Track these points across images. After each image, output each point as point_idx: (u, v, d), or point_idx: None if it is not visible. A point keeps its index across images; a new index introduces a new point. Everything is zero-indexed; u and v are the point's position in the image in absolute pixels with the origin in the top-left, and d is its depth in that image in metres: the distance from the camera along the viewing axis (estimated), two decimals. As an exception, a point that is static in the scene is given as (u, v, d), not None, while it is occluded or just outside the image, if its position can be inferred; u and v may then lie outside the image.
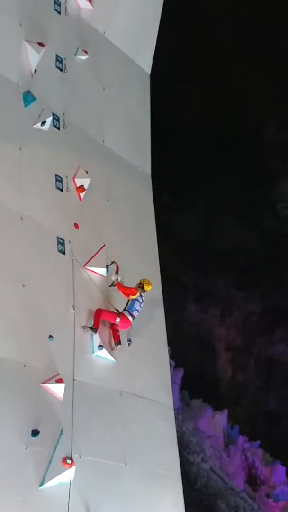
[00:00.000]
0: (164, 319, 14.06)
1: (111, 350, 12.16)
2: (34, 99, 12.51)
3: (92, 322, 12.00)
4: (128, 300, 12.39)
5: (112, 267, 12.65)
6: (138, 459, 11.80)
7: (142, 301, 12.47)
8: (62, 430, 10.49)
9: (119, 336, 12.40)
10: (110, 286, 12.69)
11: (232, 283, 29.13)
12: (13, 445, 9.86)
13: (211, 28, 27.46)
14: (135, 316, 12.37)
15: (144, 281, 12.56)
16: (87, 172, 13.36)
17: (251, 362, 28.29)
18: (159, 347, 13.66)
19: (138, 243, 14.15)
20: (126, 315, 12.27)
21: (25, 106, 12.46)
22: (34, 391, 10.49)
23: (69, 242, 12.42)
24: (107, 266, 12.71)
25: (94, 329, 11.94)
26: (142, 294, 12.45)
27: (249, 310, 29.05)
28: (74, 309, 11.81)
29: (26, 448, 9.97)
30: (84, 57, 14.14)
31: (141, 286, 12.49)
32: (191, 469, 20.08)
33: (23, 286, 11.13)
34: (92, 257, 12.65)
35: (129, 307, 12.32)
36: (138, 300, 12.38)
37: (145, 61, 16.10)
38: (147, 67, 16.19)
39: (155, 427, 12.57)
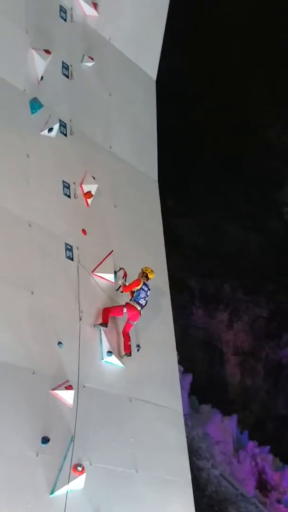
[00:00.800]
0: (172, 324, 14.05)
1: (120, 357, 12.15)
2: (41, 106, 12.54)
3: (101, 320, 12.02)
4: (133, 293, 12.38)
5: (120, 273, 12.65)
6: (148, 466, 11.77)
7: (148, 289, 12.40)
8: (72, 437, 10.47)
9: (130, 346, 12.38)
10: (117, 290, 12.68)
11: (238, 287, 29.10)
12: (23, 452, 9.85)
13: (215, 33, 27.48)
14: (143, 304, 12.29)
15: (147, 270, 12.54)
16: (94, 178, 13.37)
17: (260, 367, 28.22)
18: (168, 352, 13.64)
19: (145, 248, 14.13)
20: (133, 304, 12.23)
21: (32, 113, 12.49)
22: (43, 398, 10.48)
23: (77, 248, 12.43)
24: (115, 272, 12.71)
25: (103, 324, 11.97)
26: (145, 282, 12.40)
27: (256, 314, 29.00)
28: (81, 315, 11.80)
29: (37, 456, 9.96)
30: (90, 64, 14.18)
31: (144, 275, 12.47)
32: (201, 475, 20.02)
33: (32, 292, 11.14)
34: (100, 263, 12.65)
35: (134, 296, 12.29)
36: (142, 289, 12.31)
37: (151, 67, 16.13)
38: (153, 73, 16.22)
39: (164, 433, 12.54)
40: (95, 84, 14.34)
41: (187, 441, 13.24)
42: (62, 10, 13.92)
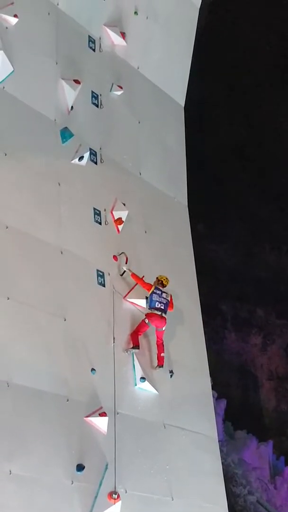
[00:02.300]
0: (205, 349, 13.97)
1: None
2: (71, 135, 12.72)
3: (131, 343, 12.03)
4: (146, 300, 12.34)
5: (122, 258, 12.65)
6: (184, 493, 11.65)
7: (162, 291, 12.33)
8: (107, 465, 10.43)
9: (163, 358, 12.32)
10: (121, 275, 12.64)
11: (271, 311, 28.86)
12: (58, 480, 9.84)
13: (244, 59, 27.65)
14: (162, 308, 12.19)
15: (162, 277, 12.50)
16: (124, 204, 13.48)
17: (295, 391, 27.83)
18: (201, 377, 13.56)
19: (176, 273, 14.11)
20: (151, 312, 12.17)
21: (63, 142, 12.68)
22: (77, 425, 10.49)
23: (109, 274, 12.50)
24: (146, 298, 12.73)
25: (135, 347, 11.96)
26: (157, 286, 12.35)
27: (290, 338, 28.68)
28: (114, 342, 11.82)
29: (72, 484, 9.94)
30: (119, 93, 14.36)
31: (160, 283, 12.43)
32: (238, 501, 19.71)
33: (64, 319, 11.21)
34: (131, 289, 12.68)
35: (149, 304, 12.22)
36: (155, 293, 12.24)
37: (179, 94, 16.27)
38: (181, 100, 16.35)
39: (200, 460, 12.42)
40: (124, 112, 14.51)
41: (222, 467, 13.08)
42: (91, 40, 14.17)
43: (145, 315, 12.23)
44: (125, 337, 12.13)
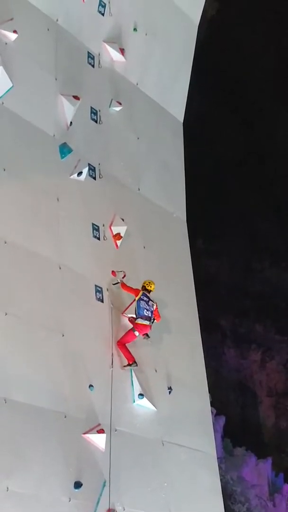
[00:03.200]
0: (204, 365, 13.93)
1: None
2: (70, 150, 12.75)
3: (126, 359, 11.95)
4: (134, 307, 12.28)
5: (120, 274, 12.61)
6: (182, 510, 11.59)
7: (148, 299, 12.30)
8: (105, 482, 10.35)
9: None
10: (113, 285, 12.60)
11: (270, 327, 28.78)
12: (56, 497, 9.77)
13: (243, 74, 27.80)
14: (149, 316, 12.16)
15: (145, 283, 12.46)
16: (123, 220, 13.48)
17: (294, 408, 27.69)
18: (200, 394, 13.50)
19: (175, 288, 14.12)
20: (140, 322, 12.11)
21: (62, 158, 12.70)
22: (75, 442, 10.44)
23: (107, 290, 12.48)
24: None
25: (133, 363, 11.91)
26: (145, 293, 12.31)
27: (290, 354, 28.58)
28: (112, 358, 11.77)
29: (69, 501, 9.87)
30: (118, 108, 14.41)
31: (143, 289, 12.38)
32: (236, 519, 19.58)
33: (62, 335, 11.17)
34: (130, 305, 12.65)
35: (137, 312, 12.15)
36: (142, 300, 12.21)
37: (178, 110, 16.33)
38: (180, 116, 16.41)
39: (198, 477, 12.35)
40: (123, 128, 14.55)
41: (221, 484, 13.02)
42: (90, 56, 14.23)
43: (134, 325, 12.15)
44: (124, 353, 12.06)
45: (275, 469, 23.76)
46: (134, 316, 12.19)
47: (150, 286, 12.45)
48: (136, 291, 12.30)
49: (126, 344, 12.11)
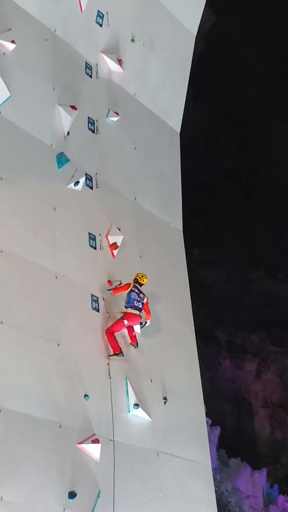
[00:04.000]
0: (199, 376, 13.92)
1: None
2: (67, 160, 12.78)
3: (111, 349, 11.91)
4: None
5: (116, 283, 12.62)
6: (176, 521, 11.53)
7: (139, 291, 12.35)
8: (99, 492, 10.32)
9: (135, 336, 12.35)
10: (108, 290, 12.60)
11: (266, 337, 28.80)
12: (50, 507, 9.74)
13: (240, 85, 27.94)
14: (139, 307, 12.21)
15: (137, 275, 12.52)
16: (119, 229, 13.51)
17: (289, 419, 27.67)
18: (195, 404, 13.49)
19: (171, 298, 14.13)
20: (130, 311, 12.14)
21: (59, 167, 12.73)
22: (70, 452, 10.41)
23: (103, 299, 12.47)
24: (141, 323, 12.70)
25: (119, 353, 11.88)
26: (136, 285, 12.36)
27: (285, 365, 28.58)
28: (108, 367, 11.76)
29: (64, 511, 9.82)
30: (115, 119, 14.46)
31: (136, 281, 12.43)
32: (231, 530, 19.52)
33: (58, 344, 11.16)
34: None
35: (127, 303, 12.19)
36: (133, 291, 12.26)
37: (175, 120, 16.39)
38: (177, 126, 16.47)
39: (193, 488, 12.33)
40: (120, 138, 14.60)
41: (216, 495, 13.00)
42: (88, 66, 14.29)
43: (123, 314, 12.16)
44: (119, 363, 12.04)
45: (270, 480, 23.74)
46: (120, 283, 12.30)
47: (143, 280, 12.52)
48: (127, 285, 12.35)
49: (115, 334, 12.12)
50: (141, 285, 12.48)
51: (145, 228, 14.45)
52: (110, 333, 12.07)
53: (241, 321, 28.19)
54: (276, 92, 28.28)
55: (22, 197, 11.81)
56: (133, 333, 12.38)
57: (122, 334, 12.32)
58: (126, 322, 12.13)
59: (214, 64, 26.28)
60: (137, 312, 12.21)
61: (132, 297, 12.24)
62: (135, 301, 12.24)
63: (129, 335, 12.36)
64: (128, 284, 12.38)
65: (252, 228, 28.50)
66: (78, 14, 13.86)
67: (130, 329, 12.35)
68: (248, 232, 28.51)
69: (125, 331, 12.31)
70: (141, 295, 12.37)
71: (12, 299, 10.80)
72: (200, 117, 25.07)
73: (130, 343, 12.38)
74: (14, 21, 12.66)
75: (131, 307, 12.18)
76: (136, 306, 12.21)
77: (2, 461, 9.53)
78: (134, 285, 12.37)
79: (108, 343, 11.99)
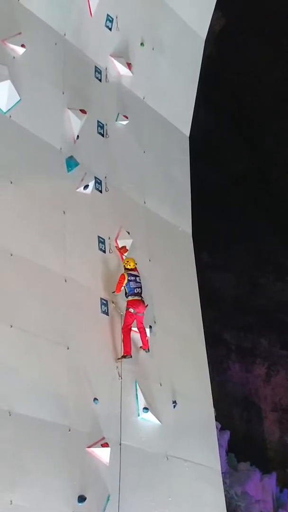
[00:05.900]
0: (209, 380, 13.87)
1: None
2: (76, 164, 12.80)
3: (123, 348, 11.89)
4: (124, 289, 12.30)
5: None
6: (186, 526, 11.48)
7: (134, 277, 12.33)
8: (109, 496, 10.29)
9: (147, 341, 12.31)
10: (112, 293, 12.55)
11: (275, 341, 28.71)
12: (59, 511, 9.69)
13: (250, 88, 27.92)
14: (139, 292, 12.20)
15: (124, 263, 12.52)
16: (129, 233, 13.51)
17: (299, 423, 27.54)
18: (205, 408, 13.44)
19: (180, 302, 14.11)
20: (131, 298, 12.14)
21: (68, 171, 12.76)
22: (79, 455, 10.39)
23: (112, 302, 12.47)
24: (150, 326, 12.68)
25: (127, 356, 11.85)
26: (129, 273, 12.33)
27: (295, 369, 28.48)
28: (118, 371, 11.74)
29: (73, 515, 9.82)
30: (124, 122, 14.48)
31: (125, 269, 12.40)
32: (240, 535, 19.43)
33: (68, 348, 11.16)
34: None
35: (128, 292, 12.19)
36: (130, 280, 12.25)
37: (184, 124, 16.40)
38: (186, 130, 16.48)
39: (202, 492, 12.27)
40: (129, 141, 14.61)
41: (225, 500, 12.93)
42: (97, 70, 14.33)
43: (127, 304, 12.14)
44: (130, 367, 12.02)
45: (280, 484, 23.60)
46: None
47: (129, 264, 12.48)
48: (121, 280, 12.29)
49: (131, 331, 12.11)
50: (132, 269, 12.44)
51: (154, 232, 14.45)
52: (126, 330, 12.06)
53: (250, 325, 28.10)
54: (285, 96, 28.21)
55: (32, 200, 11.84)
56: (146, 338, 12.34)
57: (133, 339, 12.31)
58: (131, 310, 12.09)
59: (224, 67, 26.27)
60: (137, 298, 12.18)
61: (131, 286, 12.24)
62: (135, 288, 12.24)
63: (142, 339, 12.34)
64: (122, 275, 12.34)
65: (261, 232, 28.43)
66: (87, 18, 13.91)
67: (143, 333, 12.31)
68: (257, 236, 28.45)
69: (137, 335, 12.27)
70: (137, 278, 12.35)
71: (22, 302, 10.81)
72: (210, 121, 25.08)
73: (141, 347, 12.35)
74: (24, 25, 12.73)
75: (131, 294, 12.18)
76: (135, 292, 12.20)
77: (12, 465, 9.53)
78: (127, 274, 12.33)
79: (122, 342, 11.97)
